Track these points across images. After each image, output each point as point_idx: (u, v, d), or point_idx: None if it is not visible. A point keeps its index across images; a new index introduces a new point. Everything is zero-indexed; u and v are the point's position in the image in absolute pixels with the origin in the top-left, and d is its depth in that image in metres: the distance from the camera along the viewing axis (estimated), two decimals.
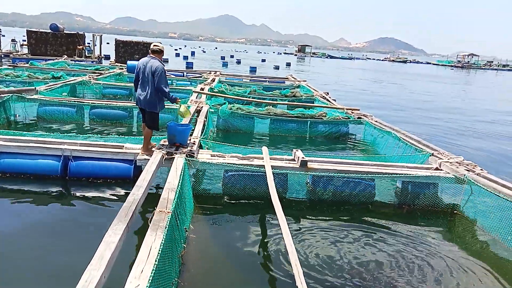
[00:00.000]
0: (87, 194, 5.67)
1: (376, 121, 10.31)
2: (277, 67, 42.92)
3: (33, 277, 3.80)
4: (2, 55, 26.48)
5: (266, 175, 5.61)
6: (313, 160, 6.34)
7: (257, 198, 5.90)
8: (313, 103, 14.00)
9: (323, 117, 10.58)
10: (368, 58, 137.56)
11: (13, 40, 30.97)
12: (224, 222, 5.31)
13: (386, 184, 6.81)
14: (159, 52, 6.01)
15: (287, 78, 22.48)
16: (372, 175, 6.17)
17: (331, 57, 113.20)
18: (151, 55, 5.96)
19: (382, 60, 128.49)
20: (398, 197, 6.39)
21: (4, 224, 4.74)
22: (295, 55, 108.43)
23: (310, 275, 4.06)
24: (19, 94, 9.82)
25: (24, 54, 27.73)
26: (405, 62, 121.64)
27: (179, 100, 6.30)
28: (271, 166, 5.86)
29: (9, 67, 17.10)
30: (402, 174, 6.22)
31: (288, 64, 51.48)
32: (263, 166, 5.89)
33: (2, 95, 9.46)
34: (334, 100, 14.03)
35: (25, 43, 29.39)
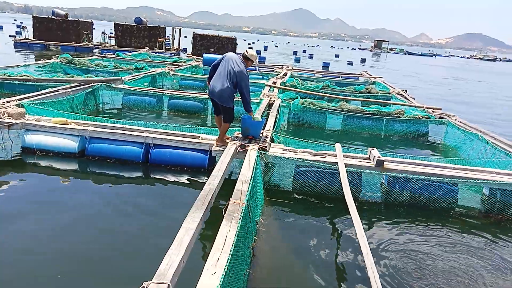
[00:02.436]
0: (165, 180, 5.97)
1: (460, 122, 9.57)
2: (351, 63, 41.70)
3: (111, 253, 4.08)
4: (93, 47, 28.86)
5: (339, 173, 5.47)
6: (389, 160, 6.05)
7: (329, 196, 5.78)
8: (390, 100, 13.36)
9: (400, 115, 10.05)
10: (451, 55, 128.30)
11: (103, 33, 33.71)
12: (294, 218, 5.27)
13: (471, 189, 6.30)
14: (249, 60, 6.01)
15: (361, 74, 21.76)
16: (455, 179, 5.72)
17: (410, 53, 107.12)
18: (242, 58, 5.97)
19: (467, 57, 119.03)
20: (485, 205, 5.86)
21: (89, 203, 5.14)
22: (371, 50, 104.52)
23: (385, 280, 3.89)
24: (107, 83, 10.62)
25: (111, 45, 30.02)
26: (494, 60, 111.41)
27: (252, 114, 6.30)
28: (344, 164, 5.70)
29: (98, 58, 18.56)
30: (491, 180, 5.69)
31: (363, 60, 49.77)
32: (336, 163, 5.75)
33: (93, 84, 10.30)
34: (413, 98, 13.27)
35: (113, 35, 31.78)
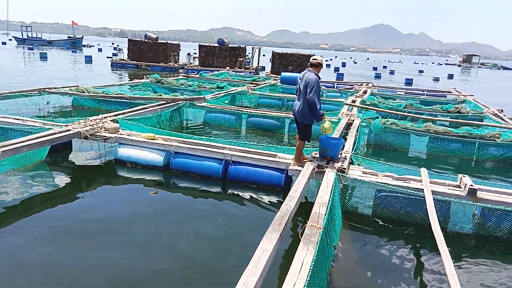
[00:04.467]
0: (242, 197, 6.07)
1: None
2: (436, 79, 39.18)
3: (186, 266, 4.20)
4: (179, 67, 30.81)
5: (425, 200, 5.10)
6: (483, 189, 5.49)
7: (412, 225, 5.41)
8: (482, 121, 12.28)
9: (496, 139, 9.15)
10: None
11: (188, 54, 35.89)
12: (374, 245, 4.99)
13: None
14: (316, 66, 6.07)
15: (449, 92, 20.36)
16: None
17: (505, 68, 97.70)
18: (309, 68, 6.08)
19: None
20: None
21: (168, 215, 5.41)
22: (459, 65, 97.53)
23: None
24: (191, 102, 11.22)
25: (195, 65, 31.76)
26: None
27: (325, 118, 6.17)
28: (431, 191, 5.30)
29: (183, 77, 19.75)
30: None
31: (451, 76, 46.60)
32: (421, 189, 5.37)
33: (178, 102, 10.95)
34: (511, 119, 12.02)
35: (197, 56, 33.66)
